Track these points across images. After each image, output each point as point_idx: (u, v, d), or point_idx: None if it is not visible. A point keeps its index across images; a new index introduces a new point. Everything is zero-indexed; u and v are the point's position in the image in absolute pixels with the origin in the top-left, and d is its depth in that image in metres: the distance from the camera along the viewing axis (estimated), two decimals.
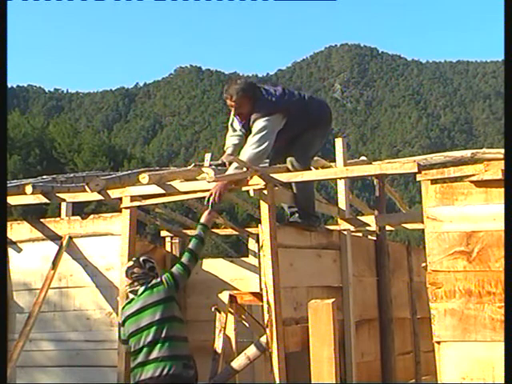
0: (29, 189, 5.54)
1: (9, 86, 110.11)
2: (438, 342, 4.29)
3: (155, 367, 4.57)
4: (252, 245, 6.76)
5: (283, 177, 5.28)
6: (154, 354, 4.59)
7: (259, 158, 5.35)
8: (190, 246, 4.97)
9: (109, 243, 5.72)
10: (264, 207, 5.12)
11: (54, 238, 5.93)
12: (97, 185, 5.44)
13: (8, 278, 5.80)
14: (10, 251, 5.95)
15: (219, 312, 5.21)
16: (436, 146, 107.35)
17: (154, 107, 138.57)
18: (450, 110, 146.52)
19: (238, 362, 4.99)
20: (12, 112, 51.05)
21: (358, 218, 6.22)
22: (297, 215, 5.72)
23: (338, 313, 5.09)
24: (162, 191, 5.43)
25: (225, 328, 5.16)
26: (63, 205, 6.54)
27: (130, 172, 6.04)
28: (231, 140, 5.88)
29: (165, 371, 4.55)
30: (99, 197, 5.69)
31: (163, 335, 4.61)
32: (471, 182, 4.33)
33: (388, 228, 6.81)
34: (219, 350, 5.10)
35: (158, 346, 4.60)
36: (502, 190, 4.11)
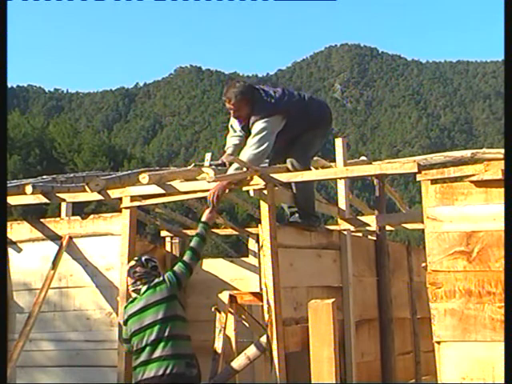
0: (29, 189, 5.54)
1: (9, 86, 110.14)
2: (438, 342, 4.29)
3: (158, 366, 4.58)
4: (252, 245, 6.76)
5: (283, 177, 5.29)
6: (157, 353, 4.60)
7: (259, 159, 5.35)
8: (192, 244, 4.98)
9: (109, 243, 5.72)
10: (264, 207, 5.12)
11: (54, 238, 5.94)
12: (97, 185, 5.44)
13: (8, 277, 5.80)
14: (10, 251, 5.94)
15: (219, 312, 5.21)
16: (436, 145, 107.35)
17: (154, 107, 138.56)
18: (450, 109, 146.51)
19: (238, 362, 4.99)
20: (12, 112, 51.04)
21: (358, 218, 6.22)
22: (297, 215, 5.72)
23: (338, 313, 5.09)
24: (162, 191, 5.43)
25: (225, 328, 5.16)
26: (63, 205, 6.54)
27: (130, 172, 6.04)
28: (231, 140, 5.88)
29: (168, 370, 4.56)
30: (99, 197, 5.70)
31: (166, 334, 4.62)
32: (471, 181, 4.33)
33: (388, 228, 6.81)
34: (219, 350, 5.10)
35: (162, 344, 4.61)
36: (501, 190, 4.11)
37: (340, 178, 5.87)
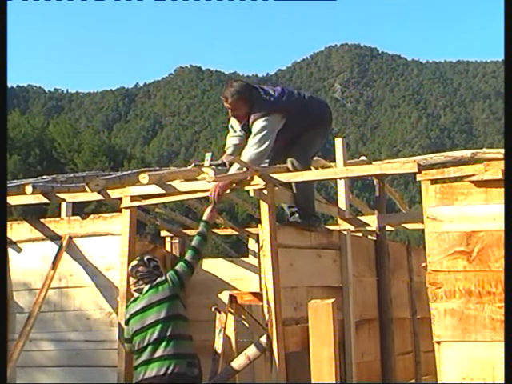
0: (29, 189, 5.54)
1: (9, 86, 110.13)
2: (438, 342, 4.29)
3: (160, 365, 4.58)
4: (252, 245, 6.76)
5: (283, 177, 5.29)
6: (159, 353, 4.60)
7: (260, 158, 5.36)
8: (193, 243, 4.99)
9: (109, 243, 5.72)
10: (264, 207, 5.12)
11: (54, 238, 5.93)
12: (97, 185, 5.44)
13: (8, 277, 5.80)
14: (10, 251, 5.94)
15: (219, 312, 5.21)
16: (436, 145, 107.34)
17: (154, 107, 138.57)
18: (450, 110, 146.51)
19: (238, 362, 4.99)
20: (12, 112, 51.03)
21: (358, 218, 6.23)
22: (297, 215, 5.72)
23: (338, 313, 5.09)
24: (162, 191, 5.43)
25: (225, 328, 5.16)
26: (63, 205, 6.54)
27: (130, 172, 6.04)
28: (232, 140, 5.88)
29: (169, 370, 4.56)
30: (99, 197, 5.69)
31: (168, 333, 4.62)
32: (471, 181, 4.33)
33: (388, 228, 6.80)
34: (219, 350, 5.09)
35: (163, 344, 4.61)
36: (501, 190, 4.11)
37: (340, 178, 5.87)
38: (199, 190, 5.35)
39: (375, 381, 6.15)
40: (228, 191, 5.28)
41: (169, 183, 5.39)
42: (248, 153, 5.33)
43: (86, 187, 5.42)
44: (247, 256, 6.67)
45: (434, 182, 4.45)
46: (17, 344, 5.42)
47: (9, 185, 5.68)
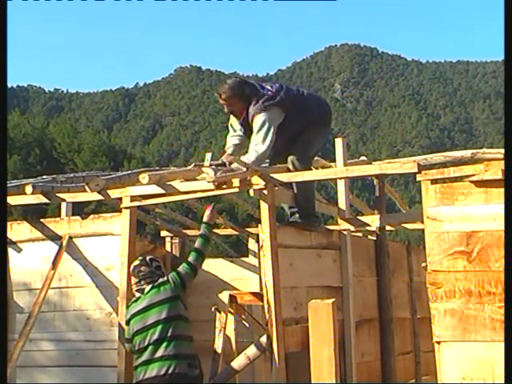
0: (29, 189, 5.54)
1: (9, 86, 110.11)
2: (438, 342, 4.29)
3: (160, 366, 4.58)
4: (252, 245, 6.75)
5: (283, 177, 5.29)
6: (160, 353, 4.61)
7: (266, 154, 5.39)
8: (196, 245, 5.00)
9: (109, 243, 5.72)
10: (264, 207, 5.12)
11: (54, 237, 5.93)
12: (97, 185, 5.44)
13: (8, 278, 5.80)
14: (10, 251, 5.94)
15: (219, 312, 5.21)
16: (436, 145, 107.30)
17: (153, 107, 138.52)
18: (450, 110, 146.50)
19: (238, 362, 4.99)
20: (12, 112, 51.01)
21: (358, 218, 6.22)
22: (297, 215, 5.72)
23: (338, 313, 5.09)
24: (162, 191, 5.43)
25: (225, 328, 5.16)
26: (63, 205, 6.54)
27: (130, 172, 6.04)
28: (232, 140, 5.88)
29: (170, 370, 4.56)
30: (99, 197, 5.69)
31: (169, 334, 4.63)
32: (471, 181, 4.33)
33: (388, 228, 6.80)
34: (219, 350, 5.10)
35: (164, 344, 4.62)
36: (501, 190, 4.11)
37: (340, 178, 5.87)
38: (199, 190, 5.35)
39: (375, 381, 6.15)
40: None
41: (169, 183, 5.39)
42: (253, 151, 5.35)
43: (86, 187, 5.42)
44: (247, 256, 6.67)
45: (434, 182, 4.45)
46: (17, 344, 5.42)
47: (9, 185, 5.67)
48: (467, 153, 5.98)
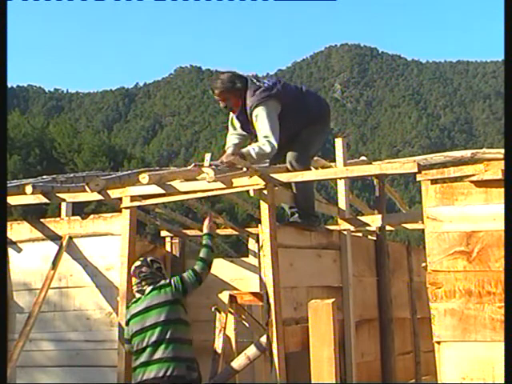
0: (29, 189, 5.54)
1: (9, 86, 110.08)
2: (438, 342, 4.29)
3: (159, 368, 4.58)
4: (252, 245, 6.76)
5: (283, 177, 5.28)
6: (158, 355, 4.60)
7: (275, 146, 5.38)
8: (201, 254, 4.95)
9: (109, 243, 5.71)
10: (264, 207, 5.12)
11: (54, 237, 5.93)
12: (97, 185, 5.44)
13: (8, 278, 5.80)
14: (10, 251, 5.94)
15: (219, 312, 5.21)
16: (436, 145, 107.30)
17: (153, 107, 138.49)
18: (450, 110, 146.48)
19: (238, 362, 4.99)
20: (12, 112, 51.00)
21: (358, 218, 6.22)
22: (296, 215, 5.72)
23: (338, 313, 5.09)
24: (162, 191, 5.43)
25: (225, 328, 5.16)
26: (63, 205, 6.53)
27: (129, 172, 6.04)
28: (231, 139, 5.89)
29: (168, 372, 4.56)
30: (99, 197, 5.69)
31: (168, 336, 4.62)
32: (471, 181, 4.33)
33: (388, 228, 6.80)
34: (219, 350, 5.10)
35: (162, 346, 4.61)
36: (501, 190, 4.10)
37: (340, 178, 5.87)
38: (199, 190, 5.35)
39: (375, 381, 6.15)
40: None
41: (169, 183, 5.39)
42: (265, 146, 5.35)
43: (86, 187, 5.41)
44: (247, 256, 6.67)
45: (434, 182, 4.45)
46: (17, 344, 5.42)
47: (9, 185, 5.67)
48: (467, 153, 5.98)
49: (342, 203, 6.01)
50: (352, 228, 6.06)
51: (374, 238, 6.70)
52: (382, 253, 6.41)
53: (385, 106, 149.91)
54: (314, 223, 5.77)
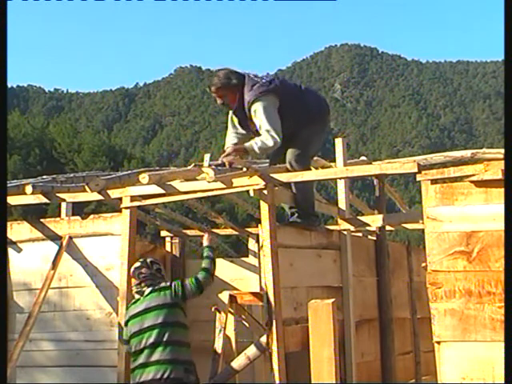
0: (29, 189, 5.54)
1: (9, 86, 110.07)
2: (438, 342, 4.29)
3: (156, 370, 4.58)
4: (252, 245, 6.76)
5: (283, 177, 5.28)
6: (156, 357, 4.60)
7: (277, 142, 5.39)
8: (204, 265, 4.95)
9: (109, 243, 5.72)
10: (264, 207, 5.12)
11: (54, 237, 5.93)
12: (97, 185, 5.44)
13: (8, 278, 5.80)
14: (10, 251, 5.94)
15: (219, 312, 5.21)
16: (436, 146, 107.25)
17: (154, 107, 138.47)
18: (450, 110, 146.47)
19: (238, 362, 4.99)
20: (12, 112, 51.04)
21: (358, 218, 6.22)
22: (296, 215, 5.72)
23: (338, 313, 5.09)
24: (162, 191, 5.43)
25: (225, 328, 5.16)
26: (63, 205, 6.54)
27: (129, 172, 6.04)
28: (231, 139, 5.89)
29: (166, 374, 4.56)
30: (99, 197, 5.69)
31: (165, 339, 4.62)
32: (471, 182, 4.33)
33: (388, 228, 6.80)
34: (219, 350, 5.10)
35: (160, 348, 4.61)
36: (501, 190, 4.10)
37: (340, 178, 5.87)
38: (199, 190, 5.35)
39: (375, 381, 6.14)
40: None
41: (169, 183, 5.39)
42: (268, 141, 5.36)
43: (86, 187, 5.42)
44: (247, 256, 6.67)
45: (434, 182, 4.45)
46: (17, 344, 5.42)
47: (9, 185, 5.67)
48: (467, 153, 5.98)
49: (342, 203, 6.01)
50: (352, 228, 6.06)
51: (374, 238, 6.70)
52: (382, 253, 6.41)
53: (385, 106, 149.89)
54: (314, 223, 5.77)
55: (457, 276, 4.28)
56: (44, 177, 6.31)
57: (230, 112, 5.83)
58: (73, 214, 6.46)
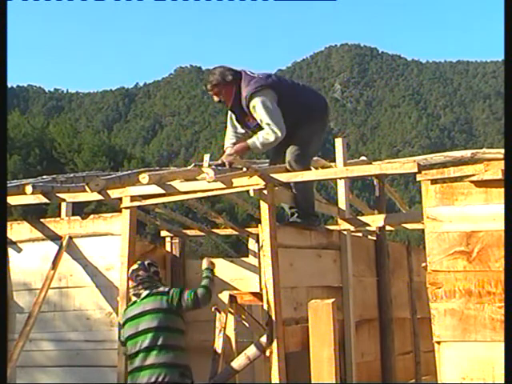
0: (29, 189, 5.54)
1: (9, 86, 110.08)
2: (438, 342, 4.29)
3: (151, 373, 4.58)
4: (252, 245, 6.76)
5: (283, 177, 5.29)
6: (150, 360, 4.60)
7: (282, 131, 5.40)
8: (204, 283, 4.90)
9: (109, 243, 5.72)
10: (264, 207, 5.12)
11: (54, 237, 5.93)
12: (97, 185, 5.44)
13: (8, 278, 5.80)
14: (10, 251, 5.94)
15: (219, 312, 5.21)
16: (436, 146, 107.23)
17: (154, 107, 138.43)
18: (450, 110, 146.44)
19: (238, 362, 4.99)
20: (12, 112, 51.05)
21: (358, 218, 6.22)
22: (296, 215, 5.72)
23: (338, 313, 5.09)
24: (162, 191, 5.43)
25: (225, 328, 5.16)
26: (63, 205, 6.54)
27: (129, 172, 6.04)
28: (230, 140, 5.89)
29: (160, 378, 4.56)
30: (99, 197, 5.69)
31: (159, 343, 4.62)
32: (471, 182, 4.33)
33: (388, 228, 6.81)
34: (219, 350, 5.10)
35: (154, 352, 4.61)
36: (501, 190, 4.10)
37: (340, 178, 5.87)
38: (199, 190, 5.35)
39: (375, 381, 6.15)
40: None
41: (169, 183, 5.39)
42: (270, 135, 5.38)
43: (86, 187, 5.42)
44: (247, 256, 6.68)
45: (434, 182, 4.45)
46: (17, 344, 5.42)
47: (9, 185, 5.67)
48: (467, 153, 5.98)
49: (342, 203, 6.01)
50: (352, 228, 6.06)
51: (374, 238, 6.70)
52: (382, 253, 6.41)
53: (385, 106, 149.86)
54: (314, 223, 5.77)
55: (457, 276, 4.28)
56: (44, 177, 6.31)
57: (229, 113, 5.83)
58: (73, 214, 6.46)
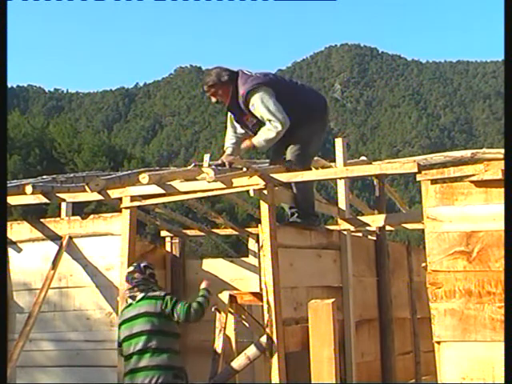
0: (29, 189, 5.54)
1: (9, 86, 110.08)
2: (438, 342, 4.29)
3: (145, 375, 4.61)
4: (252, 245, 6.76)
5: (283, 177, 5.29)
6: (144, 363, 4.63)
7: (284, 124, 5.41)
8: (199, 300, 4.88)
9: (109, 243, 5.72)
10: (264, 207, 5.12)
11: (54, 237, 5.94)
12: (97, 185, 5.44)
13: (8, 278, 5.80)
14: (10, 251, 5.95)
15: (219, 312, 5.22)
16: (436, 146, 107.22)
17: (154, 107, 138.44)
18: (450, 110, 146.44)
19: (238, 362, 4.99)
20: (12, 112, 51.04)
21: (358, 218, 6.23)
22: (296, 215, 5.72)
23: (338, 313, 5.09)
24: (162, 191, 5.43)
25: (225, 328, 5.16)
26: (63, 205, 6.54)
27: (129, 172, 6.04)
28: (230, 140, 5.89)
29: (154, 380, 4.58)
30: (99, 197, 5.69)
31: (153, 346, 4.64)
32: (471, 182, 4.33)
33: (388, 228, 6.81)
34: (219, 350, 5.10)
35: (147, 355, 4.63)
36: (501, 190, 4.11)
37: (340, 178, 5.87)
38: (199, 190, 5.35)
39: (375, 381, 6.15)
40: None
41: (169, 183, 5.40)
42: (272, 130, 5.40)
43: (86, 187, 5.42)
44: (247, 256, 6.68)
45: (434, 182, 4.45)
46: (17, 344, 5.42)
47: (9, 185, 5.67)
48: (467, 153, 5.99)
49: (342, 203, 6.01)
50: (352, 228, 6.06)
51: (374, 238, 6.70)
52: (382, 253, 6.41)
53: (385, 106, 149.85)
54: (314, 223, 5.77)
55: (457, 276, 4.28)
56: (44, 177, 6.32)
57: (229, 113, 5.83)
58: (73, 214, 6.46)
